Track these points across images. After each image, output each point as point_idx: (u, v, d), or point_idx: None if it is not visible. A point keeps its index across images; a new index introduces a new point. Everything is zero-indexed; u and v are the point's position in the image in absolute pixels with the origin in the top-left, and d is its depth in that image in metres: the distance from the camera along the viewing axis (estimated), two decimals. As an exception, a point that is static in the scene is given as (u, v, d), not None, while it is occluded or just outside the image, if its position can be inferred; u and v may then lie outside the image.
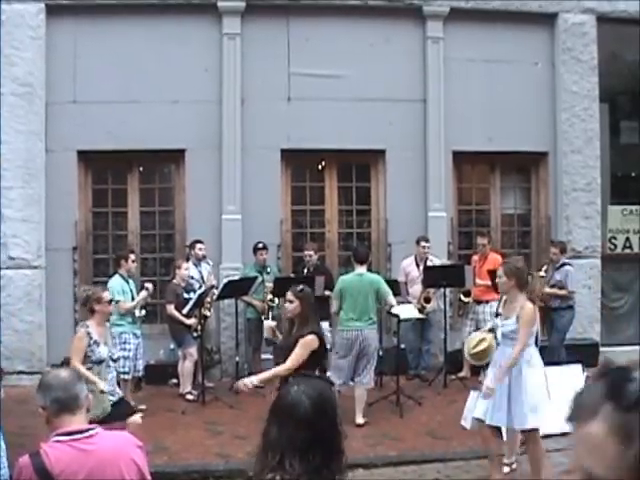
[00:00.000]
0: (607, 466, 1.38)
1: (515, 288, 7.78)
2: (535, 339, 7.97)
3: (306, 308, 7.66)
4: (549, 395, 7.85)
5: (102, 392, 7.92)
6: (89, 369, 8.04)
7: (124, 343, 11.07)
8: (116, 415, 8.00)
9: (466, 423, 8.20)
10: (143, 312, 11.45)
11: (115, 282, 11.23)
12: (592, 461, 1.42)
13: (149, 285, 11.56)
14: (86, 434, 3.60)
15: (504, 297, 8.05)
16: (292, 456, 2.89)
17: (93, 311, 8.27)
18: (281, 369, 7.45)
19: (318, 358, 7.46)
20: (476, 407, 7.94)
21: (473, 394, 8.25)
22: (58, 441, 3.56)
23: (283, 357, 7.59)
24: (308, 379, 3.19)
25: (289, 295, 7.76)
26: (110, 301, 8.56)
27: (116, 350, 10.26)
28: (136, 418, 8.38)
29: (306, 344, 7.40)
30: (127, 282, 11.35)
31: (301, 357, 7.34)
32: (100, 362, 8.19)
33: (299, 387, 3.04)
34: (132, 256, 11.58)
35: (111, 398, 8.17)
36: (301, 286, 7.93)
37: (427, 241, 12.97)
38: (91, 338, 8.14)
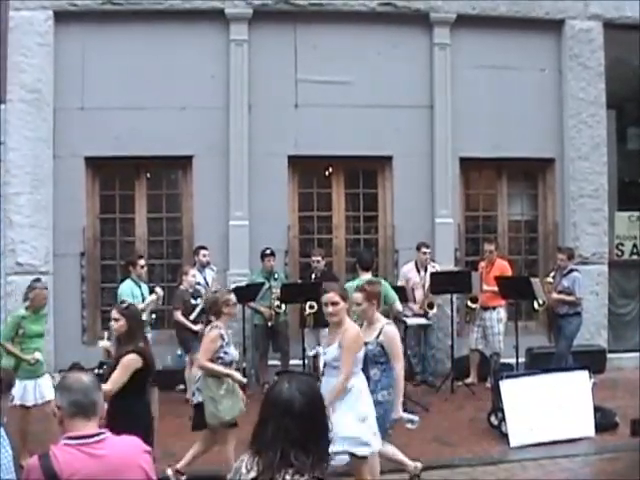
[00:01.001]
0: None
1: (345, 312, 7.40)
2: (364, 365, 7.47)
3: (132, 326, 7.30)
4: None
5: (241, 384, 8.22)
6: None
7: None
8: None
9: None
10: (153, 316, 11.47)
11: (126, 286, 11.36)
12: None
13: (159, 290, 11.60)
14: (95, 439, 3.60)
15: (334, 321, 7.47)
16: (295, 451, 2.99)
17: (220, 313, 8.33)
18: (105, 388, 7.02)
19: (142, 377, 7.07)
20: None
21: None
22: (68, 444, 3.57)
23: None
24: (295, 375, 3.25)
25: (114, 313, 7.43)
26: (235, 304, 8.63)
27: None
28: None
29: (124, 365, 6.99)
30: (139, 287, 11.39)
31: (120, 378, 6.94)
32: (231, 363, 8.30)
33: (290, 384, 3.13)
34: (141, 262, 11.61)
35: None
36: (127, 303, 7.70)
37: (428, 247, 12.99)
38: (223, 339, 8.23)
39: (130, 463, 3.63)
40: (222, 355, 8.18)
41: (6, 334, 9.26)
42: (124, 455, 3.64)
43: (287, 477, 2.97)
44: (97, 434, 3.62)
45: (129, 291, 11.26)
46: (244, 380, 8.38)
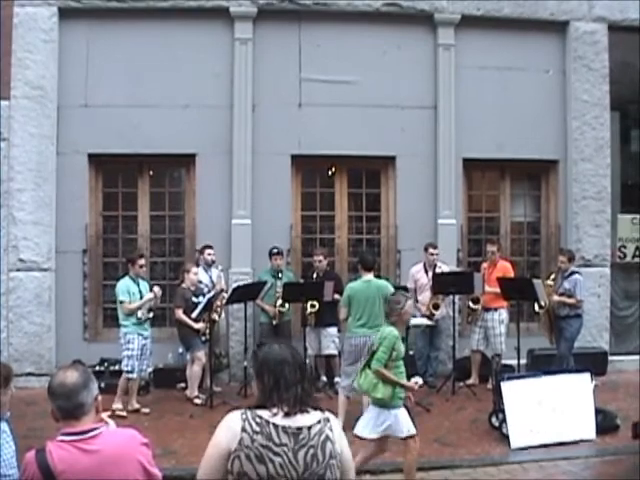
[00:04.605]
0: None
1: None
2: None
3: None
4: None
5: None
6: None
7: (128, 342, 11.16)
8: None
9: None
10: (150, 314, 11.44)
11: (122, 283, 11.36)
12: None
13: (157, 289, 11.58)
14: (90, 434, 3.63)
15: None
16: (299, 388, 3.75)
17: None
18: None
19: None
20: None
21: None
22: (63, 441, 3.61)
23: None
24: (276, 341, 4.04)
25: None
26: None
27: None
28: None
29: None
30: (137, 284, 11.37)
31: None
32: None
33: (278, 345, 3.89)
34: (141, 261, 11.53)
35: None
36: None
37: (435, 248, 12.97)
38: None
39: (126, 456, 3.66)
40: None
41: (382, 357, 7.92)
42: (119, 449, 3.67)
43: (302, 410, 3.70)
44: (91, 430, 3.65)
45: (125, 288, 11.26)
46: None
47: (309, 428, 3.68)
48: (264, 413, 3.66)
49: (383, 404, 7.88)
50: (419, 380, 8.46)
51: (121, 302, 11.24)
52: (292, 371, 3.76)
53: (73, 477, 3.53)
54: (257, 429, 3.61)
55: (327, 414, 3.80)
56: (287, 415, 3.66)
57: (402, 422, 7.91)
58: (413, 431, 7.93)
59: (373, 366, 7.96)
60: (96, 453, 3.59)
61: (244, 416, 3.67)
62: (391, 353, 7.92)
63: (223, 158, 13.35)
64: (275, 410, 3.66)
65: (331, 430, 3.74)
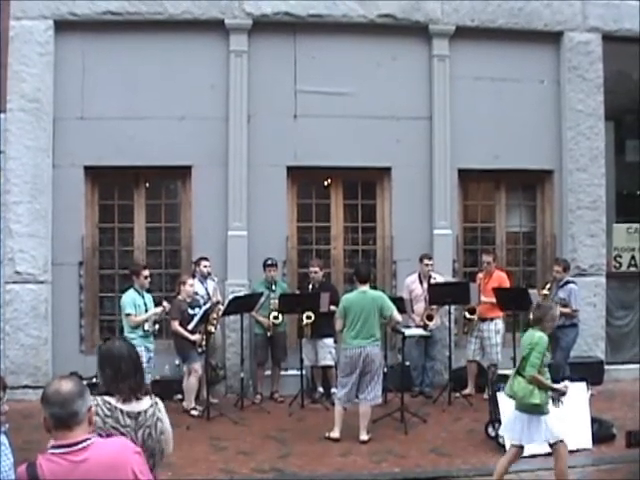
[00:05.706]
0: None
1: None
2: None
3: None
4: None
5: None
6: None
7: None
8: None
9: None
10: (156, 327, 11.44)
11: (128, 295, 11.33)
12: None
13: (166, 304, 11.59)
14: (80, 446, 3.62)
15: None
16: (134, 379, 4.61)
17: None
18: None
19: None
20: None
21: None
22: (53, 454, 3.61)
23: None
24: (118, 338, 5.30)
25: None
26: None
27: None
28: None
29: None
30: (142, 296, 11.37)
31: None
32: None
33: (119, 341, 4.90)
34: (145, 272, 11.50)
35: None
36: None
37: (430, 259, 12.98)
38: None
39: (118, 465, 3.66)
40: None
41: (535, 363, 7.93)
42: (111, 458, 3.67)
43: (137, 397, 4.55)
44: (82, 441, 3.65)
45: (131, 301, 11.24)
46: None
47: (145, 412, 4.56)
48: (112, 400, 4.45)
49: (537, 410, 7.94)
50: (568, 384, 8.40)
51: (127, 315, 11.22)
52: (127, 365, 4.56)
53: None
54: (108, 413, 4.40)
55: (155, 399, 4.70)
56: (124, 402, 4.47)
57: (554, 427, 7.97)
58: (561, 436, 7.99)
59: (527, 372, 7.98)
60: (87, 464, 3.59)
61: (95, 402, 4.26)
62: (542, 358, 7.98)
63: (219, 170, 13.37)
64: (118, 397, 4.45)
65: (160, 411, 4.69)
